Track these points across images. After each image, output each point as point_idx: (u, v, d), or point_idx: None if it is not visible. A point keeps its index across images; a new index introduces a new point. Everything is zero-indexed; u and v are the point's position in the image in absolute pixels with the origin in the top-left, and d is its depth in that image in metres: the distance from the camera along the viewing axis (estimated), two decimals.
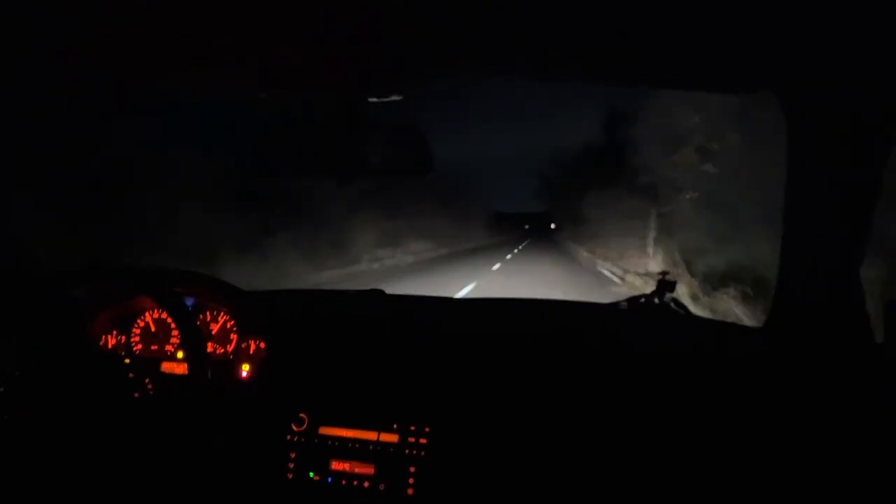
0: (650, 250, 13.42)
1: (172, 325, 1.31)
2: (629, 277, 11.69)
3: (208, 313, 1.33)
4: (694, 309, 3.18)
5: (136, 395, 1.02)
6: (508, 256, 20.33)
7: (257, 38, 0.84)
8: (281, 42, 0.84)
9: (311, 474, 1.05)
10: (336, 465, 1.05)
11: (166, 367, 1.28)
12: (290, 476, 1.06)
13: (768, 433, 0.97)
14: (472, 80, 1.02)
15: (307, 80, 0.97)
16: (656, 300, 1.52)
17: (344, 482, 1.04)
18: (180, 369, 1.26)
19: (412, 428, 1.06)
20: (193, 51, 0.90)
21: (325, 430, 1.09)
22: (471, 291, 9.62)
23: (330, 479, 1.04)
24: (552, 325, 1.40)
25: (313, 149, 1.07)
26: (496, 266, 15.39)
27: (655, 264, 12.14)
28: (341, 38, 0.83)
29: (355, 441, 1.07)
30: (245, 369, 1.24)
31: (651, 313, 1.50)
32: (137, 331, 1.33)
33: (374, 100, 0.97)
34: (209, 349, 1.27)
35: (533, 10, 0.76)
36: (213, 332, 1.31)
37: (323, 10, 0.75)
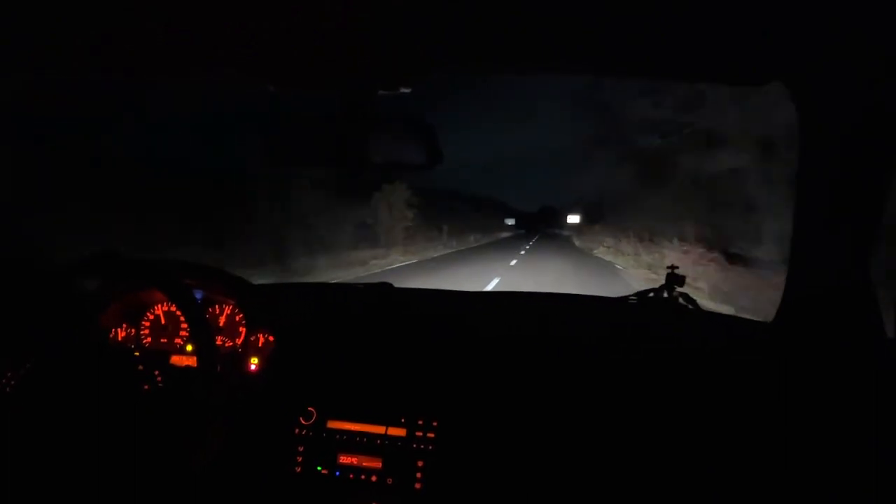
0: None
1: (182, 318, 1.32)
2: None
3: (217, 306, 1.33)
4: None
5: (146, 387, 1.03)
6: None
7: (266, 30, 0.83)
8: (289, 34, 0.84)
9: (319, 468, 1.06)
10: (344, 459, 1.06)
11: (175, 359, 1.28)
12: (299, 469, 1.07)
13: (778, 428, 0.97)
14: (480, 73, 1.01)
15: (316, 73, 0.96)
16: (665, 294, 1.51)
17: (352, 476, 1.04)
18: (189, 362, 1.27)
19: (420, 422, 1.06)
20: (203, 45, 0.90)
21: (333, 424, 1.09)
22: None
23: (338, 473, 1.05)
24: (561, 320, 1.39)
25: (321, 141, 1.07)
26: None
27: None
28: (349, 30, 0.82)
29: (363, 435, 1.07)
30: (254, 362, 1.25)
31: (660, 308, 1.49)
32: (147, 323, 1.34)
33: (384, 92, 0.97)
34: (218, 342, 1.28)
35: (541, 1, 0.75)
36: (222, 325, 1.32)
37: (331, 2, 0.75)
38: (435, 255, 20.52)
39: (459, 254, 21.88)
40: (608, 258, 18.84)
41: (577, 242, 31.92)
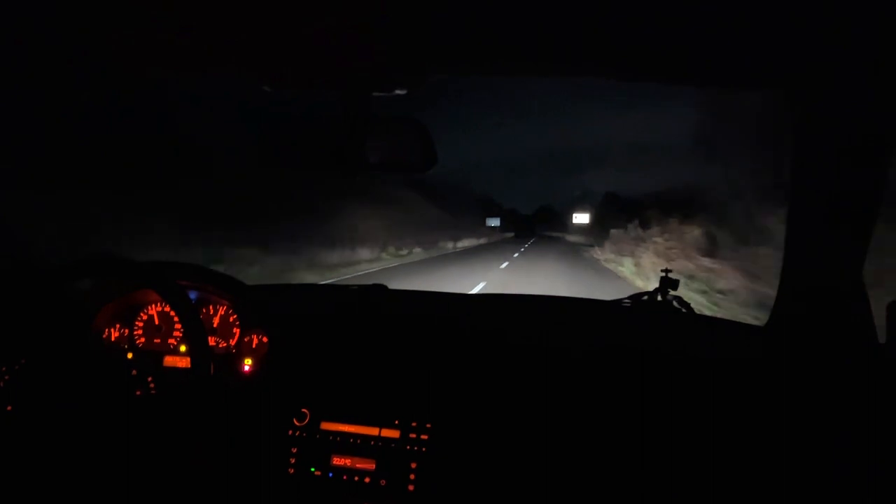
0: None
1: (175, 319, 1.31)
2: None
3: (211, 307, 1.33)
4: None
5: (139, 388, 1.03)
6: None
7: (263, 31, 0.83)
8: (287, 35, 0.84)
9: (313, 469, 1.06)
10: (337, 461, 1.05)
11: (169, 360, 1.28)
12: (292, 471, 1.06)
13: (770, 432, 0.97)
14: (480, 75, 1.01)
15: (311, 75, 0.96)
16: (659, 298, 1.52)
17: (345, 477, 1.04)
18: (183, 363, 1.27)
19: (413, 424, 1.06)
20: (199, 46, 0.90)
21: (327, 426, 1.09)
22: None
23: (331, 475, 1.05)
24: (555, 322, 1.39)
25: (316, 143, 1.07)
26: None
27: None
28: (347, 32, 0.82)
29: (357, 436, 1.07)
30: (247, 363, 1.25)
31: (654, 311, 1.49)
32: (140, 324, 1.33)
33: (379, 94, 0.97)
34: (212, 343, 1.27)
35: (537, 4, 0.76)
36: (216, 326, 1.32)
37: (327, 5, 0.75)
38: None
39: None
40: None
41: (626, 272, 13.94)
